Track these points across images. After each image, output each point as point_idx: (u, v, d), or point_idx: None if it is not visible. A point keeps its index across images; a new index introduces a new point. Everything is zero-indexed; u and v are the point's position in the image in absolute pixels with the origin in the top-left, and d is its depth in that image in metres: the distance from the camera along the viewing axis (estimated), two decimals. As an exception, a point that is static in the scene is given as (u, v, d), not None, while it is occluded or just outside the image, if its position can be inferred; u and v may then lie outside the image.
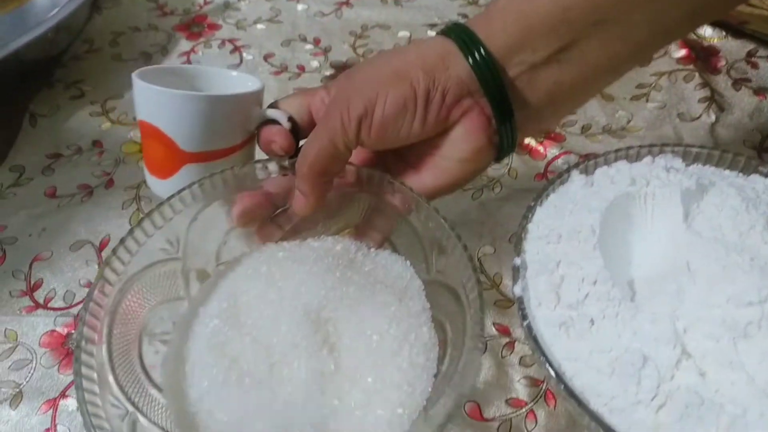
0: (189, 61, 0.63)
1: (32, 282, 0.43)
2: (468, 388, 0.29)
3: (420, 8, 0.67)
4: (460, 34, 0.34)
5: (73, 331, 0.41)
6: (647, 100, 0.54)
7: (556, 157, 0.50)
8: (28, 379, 0.38)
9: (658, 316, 0.30)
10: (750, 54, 0.57)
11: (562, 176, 0.37)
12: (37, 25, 0.54)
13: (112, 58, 0.63)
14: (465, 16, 0.66)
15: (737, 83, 0.55)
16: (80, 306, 0.42)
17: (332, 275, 0.36)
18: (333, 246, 0.39)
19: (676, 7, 0.32)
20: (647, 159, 0.37)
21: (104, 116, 0.56)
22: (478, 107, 0.34)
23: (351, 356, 0.33)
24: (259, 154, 0.39)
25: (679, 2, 0.32)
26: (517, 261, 0.34)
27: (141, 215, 0.46)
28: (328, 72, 0.60)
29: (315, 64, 0.61)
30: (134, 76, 0.36)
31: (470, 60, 0.33)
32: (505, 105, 0.34)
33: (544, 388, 0.37)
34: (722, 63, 0.57)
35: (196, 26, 0.67)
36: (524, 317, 0.31)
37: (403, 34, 0.64)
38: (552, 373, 0.29)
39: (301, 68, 0.61)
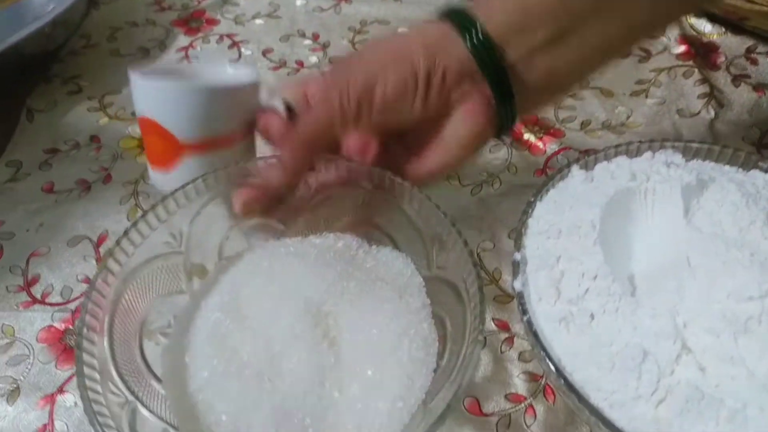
0: (187, 56, 0.62)
1: (29, 277, 0.43)
2: (467, 382, 0.29)
3: (419, 3, 0.67)
4: (459, 16, 0.34)
5: (70, 327, 0.40)
6: (647, 96, 0.54)
7: (555, 153, 0.50)
8: (25, 374, 0.38)
9: (658, 311, 0.30)
10: (749, 50, 0.57)
11: (562, 171, 0.37)
12: (34, 20, 0.53)
13: (110, 53, 0.63)
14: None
15: (737, 79, 0.55)
16: (78, 301, 0.42)
17: (333, 271, 0.36)
18: (334, 242, 0.39)
19: None
20: (647, 154, 0.37)
21: (102, 111, 0.56)
22: (478, 89, 0.34)
23: (351, 350, 0.33)
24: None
25: None
26: (517, 256, 0.34)
27: (139, 210, 0.47)
28: (327, 68, 0.60)
29: (314, 59, 0.61)
30: (130, 70, 0.36)
31: (468, 42, 0.33)
32: (504, 87, 0.34)
33: (543, 383, 0.37)
34: (722, 59, 0.57)
35: (194, 21, 0.67)
36: (524, 312, 0.31)
37: (403, 29, 0.64)
38: (552, 368, 0.29)
39: (300, 64, 0.61)
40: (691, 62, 0.56)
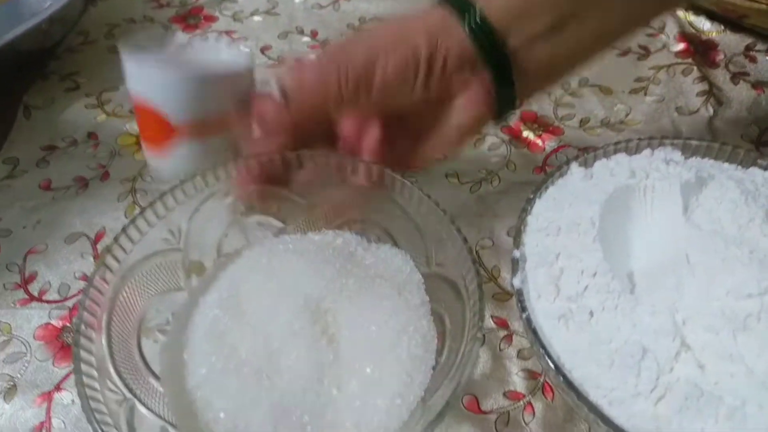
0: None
1: (26, 274, 0.43)
2: (466, 379, 0.29)
3: (417, 0, 0.67)
4: (458, 1, 0.33)
5: (68, 324, 0.40)
6: (645, 94, 0.54)
7: (554, 151, 0.50)
8: (22, 372, 0.38)
9: (657, 308, 0.30)
10: (748, 48, 0.57)
11: (561, 169, 0.37)
12: (31, 16, 0.53)
13: (108, 50, 0.63)
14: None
15: (735, 77, 0.55)
16: (75, 299, 0.41)
17: (332, 267, 0.36)
18: (333, 239, 0.39)
19: None
20: (647, 152, 0.37)
21: (99, 108, 0.55)
22: (478, 76, 0.34)
23: (350, 347, 0.33)
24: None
25: None
26: (516, 253, 0.34)
27: (137, 208, 0.46)
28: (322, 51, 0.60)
29: (312, 56, 0.61)
30: (122, 50, 0.35)
31: (466, 25, 0.33)
32: (505, 74, 0.34)
33: (542, 380, 0.36)
34: (721, 57, 0.57)
35: (192, 18, 0.67)
36: (523, 309, 0.31)
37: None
38: (551, 365, 0.29)
39: (298, 61, 0.61)
40: (690, 60, 0.56)
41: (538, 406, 0.36)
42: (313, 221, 0.40)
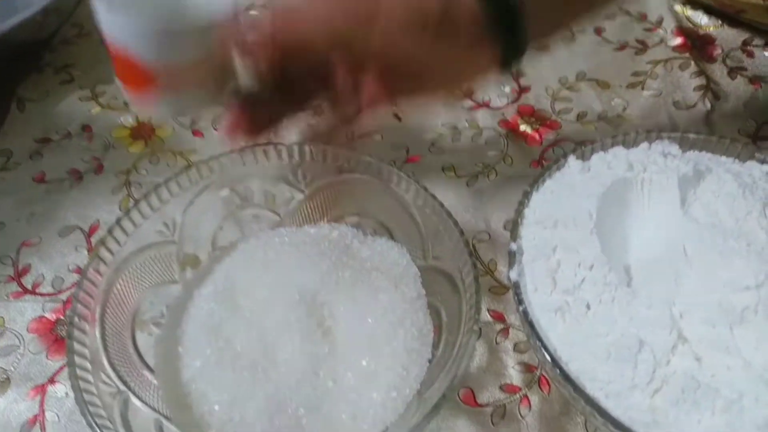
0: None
1: (20, 267, 0.43)
2: (462, 372, 0.28)
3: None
4: None
5: (62, 317, 0.40)
6: (643, 88, 0.54)
7: (551, 145, 0.49)
8: (15, 365, 0.38)
9: (654, 301, 0.29)
10: (746, 43, 0.57)
11: (558, 162, 0.37)
12: (25, 7, 0.52)
13: (102, 42, 0.62)
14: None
15: (733, 72, 0.55)
16: (69, 292, 0.41)
17: (328, 260, 0.35)
18: (329, 232, 0.39)
19: None
20: (644, 145, 0.37)
21: (94, 101, 0.55)
22: (486, 34, 0.33)
23: (346, 340, 0.32)
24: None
25: None
26: (513, 246, 0.33)
27: (131, 201, 0.46)
28: None
29: None
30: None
31: None
32: (513, 24, 0.33)
33: (538, 374, 0.36)
34: (718, 51, 0.57)
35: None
36: (520, 302, 0.31)
37: None
38: (548, 357, 0.29)
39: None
40: (687, 54, 0.56)
41: (534, 399, 0.36)
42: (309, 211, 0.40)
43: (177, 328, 0.34)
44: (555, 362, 0.29)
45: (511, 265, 0.33)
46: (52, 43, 0.61)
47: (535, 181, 0.36)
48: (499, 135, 0.50)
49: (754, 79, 0.54)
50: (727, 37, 0.58)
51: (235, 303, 0.34)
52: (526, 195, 0.35)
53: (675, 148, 0.37)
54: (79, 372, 0.29)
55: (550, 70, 0.55)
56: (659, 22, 0.60)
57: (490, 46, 0.33)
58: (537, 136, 0.50)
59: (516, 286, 0.32)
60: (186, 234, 0.37)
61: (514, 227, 0.34)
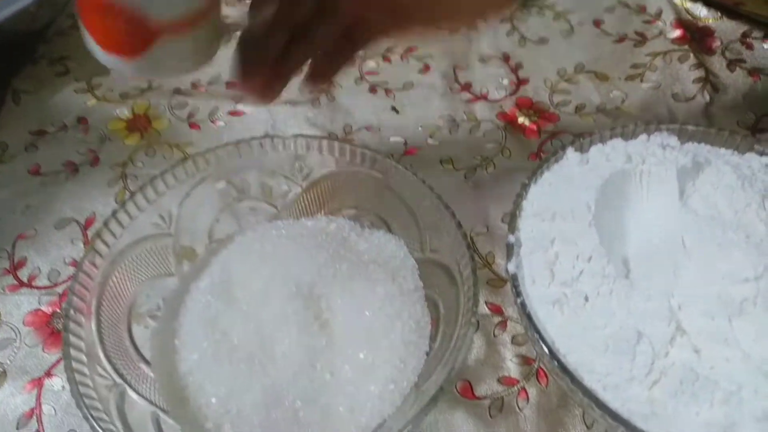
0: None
1: (16, 260, 0.42)
2: (460, 365, 0.28)
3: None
4: None
5: (58, 310, 0.40)
6: (642, 80, 0.54)
7: (549, 137, 0.49)
8: (12, 358, 0.38)
9: (652, 293, 0.29)
10: (745, 35, 0.57)
11: (557, 154, 0.37)
12: (19, -2, 0.52)
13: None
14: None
15: (732, 64, 0.54)
16: (65, 285, 0.41)
17: (325, 253, 0.35)
18: (326, 225, 0.39)
19: None
20: (643, 137, 0.37)
21: (89, 93, 0.54)
22: None
23: (343, 332, 0.32)
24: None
25: None
26: (511, 239, 0.33)
27: (127, 193, 0.46)
28: None
29: None
30: None
31: None
32: None
33: (536, 366, 0.36)
34: (717, 44, 0.56)
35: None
36: (518, 294, 0.31)
37: None
38: (545, 350, 0.29)
39: None
40: (686, 47, 0.56)
41: (532, 391, 0.35)
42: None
43: (173, 321, 0.34)
44: (553, 354, 0.29)
45: (509, 257, 0.33)
46: (46, 34, 0.60)
47: (534, 174, 0.36)
48: (498, 127, 0.50)
49: (753, 71, 0.53)
50: (726, 29, 0.57)
51: (232, 296, 0.34)
52: (525, 187, 0.35)
53: (674, 140, 0.36)
54: (75, 365, 0.29)
55: (549, 62, 0.55)
56: (658, 14, 0.59)
57: None
58: (535, 129, 0.50)
59: (514, 279, 0.32)
60: (182, 226, 0.37)
61: (512, 220, 0.34)
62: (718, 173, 0.33)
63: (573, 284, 0.31)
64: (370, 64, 0.55)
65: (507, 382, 0.36)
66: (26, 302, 0.40)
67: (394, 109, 0.51)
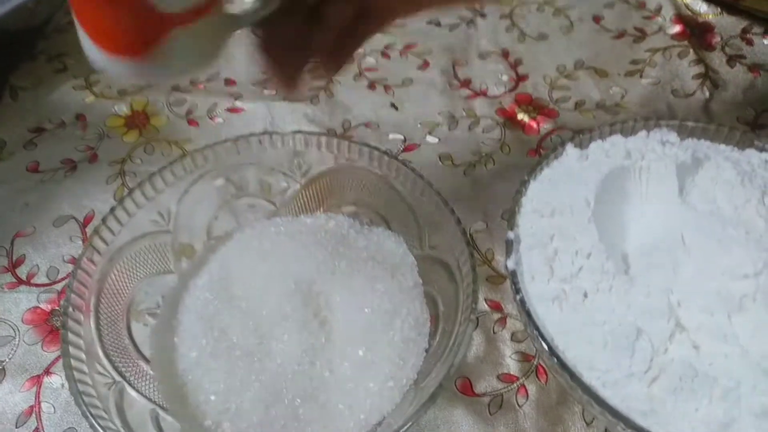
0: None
1: (14, 258, 0.42)
2: (459, 362, 0.28)
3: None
4: None
5: (57, 308, 0.40)
6: (641, 76, 0.54)
7: (549, 133, 0.49)
8: (11, 356, 0.38)
9: (652, 289, 0.29)
10: (745, 31, 0.57)
11: (556, 150, 0.37)
12: (17, -6, 0.52)
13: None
14: None
15: (732, 60, 0.54)
16: (64, 282, 0.41)
17: (324, 250, 0.35)
18: (325, 222, 0.39)
19: None
20: (642, 133, 0.37)
21: (88, 90, 0.54)
22: None
23: (342, 329, 0.32)
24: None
25: None
26: (511, 235, 0.33)
27: (126, 190, 0.46)
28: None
29: None
30: None
31: None
32: None
33: (535, 363, 0.36)
34: (717, 39, 0.56)
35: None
36: (517, 291, 0.31)
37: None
38: (545, 346, 0.29)
39: None
40: (686, 42, 0.56)
41: (532, 388, 0.35)
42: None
43: (172, 319, 0.34)
44: (552, 351, 0.29)
45: (508, 253, 0.33)
46: (45, 30, 0.60)
47: (533, 170, 0.36)
48: (497, 124, 0.50)
49: (753, 67, 0.53)
50: (726, 25, 0.57)
51: (231, 293, 0.34)
52: (524, 184, 0.35)
53: (673, 136, 0.36)
54: (73, 362, 0.29)
55: (548, 58, 0.55)
56: (658, 10, 0.59)
57: None
58: (535, 125, 0.50)
59: (513, 275, 0.32)
60: (181, 223, 0.37)
61: (511, 216, 0.34)
62: (717, 169, 0.33)
63: (572, 280, 0.30)
64: (369, 60, 0.55)
65: (506, 379, 0.36)
66: (25, 300, 0.40)
67: (393, 105, 0.51)
